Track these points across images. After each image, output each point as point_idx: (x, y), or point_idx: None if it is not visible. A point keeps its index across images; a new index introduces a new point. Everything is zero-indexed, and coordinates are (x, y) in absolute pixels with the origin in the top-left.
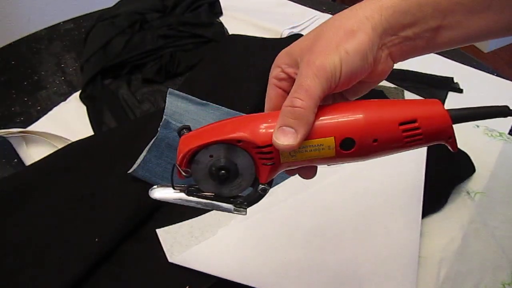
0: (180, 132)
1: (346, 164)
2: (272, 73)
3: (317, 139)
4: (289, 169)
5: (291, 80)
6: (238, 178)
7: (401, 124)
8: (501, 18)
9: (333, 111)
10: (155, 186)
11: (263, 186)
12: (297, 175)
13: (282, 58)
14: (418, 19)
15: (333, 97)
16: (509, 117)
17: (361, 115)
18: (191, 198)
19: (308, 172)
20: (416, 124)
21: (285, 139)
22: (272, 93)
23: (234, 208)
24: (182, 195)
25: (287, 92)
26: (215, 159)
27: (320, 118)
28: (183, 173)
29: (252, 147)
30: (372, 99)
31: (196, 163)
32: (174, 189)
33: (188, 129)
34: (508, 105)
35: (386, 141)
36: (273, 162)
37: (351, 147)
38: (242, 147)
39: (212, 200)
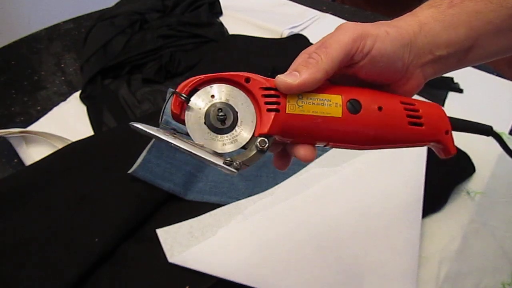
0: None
1: (346, 163)
2: (298, 59)
3: (325, 94)
4: (291, 140)
5: None
6: (234, 130)
7: (402, 103)
8: None
9: (343, 85)
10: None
11: (261, 138)
12: (297, 175)
13: (312, 47)
14: (452, 39)
15: None
16: (509, 117)
17: (367, 88)
18: (176, 140)
19: (307, 152)
20: (415, 107)
21: (287, 77)
22: None
23: (224, 162)
24: (168, 136)
25: None
26: (216, 100)
27: (329, 81)
28: (184, 96)
29: (258, 87)
30: None
31: (195, 100)
32: (160, 126)
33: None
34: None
35: (390, 113)
36: (278, 108)
37: (357, 110)
38: (248, 88)
39: (201, 148)
